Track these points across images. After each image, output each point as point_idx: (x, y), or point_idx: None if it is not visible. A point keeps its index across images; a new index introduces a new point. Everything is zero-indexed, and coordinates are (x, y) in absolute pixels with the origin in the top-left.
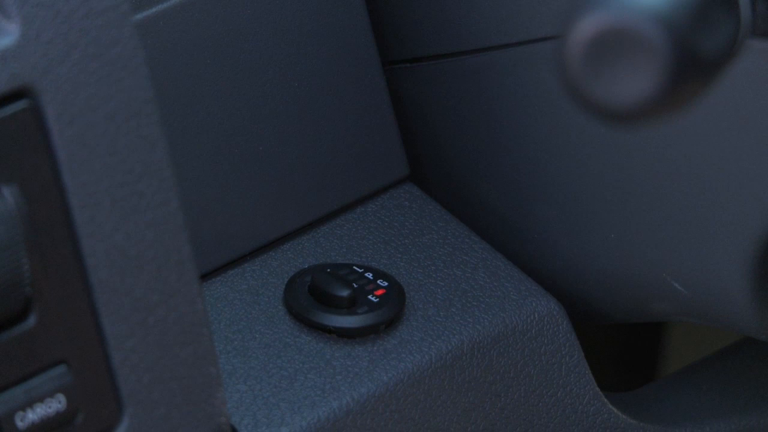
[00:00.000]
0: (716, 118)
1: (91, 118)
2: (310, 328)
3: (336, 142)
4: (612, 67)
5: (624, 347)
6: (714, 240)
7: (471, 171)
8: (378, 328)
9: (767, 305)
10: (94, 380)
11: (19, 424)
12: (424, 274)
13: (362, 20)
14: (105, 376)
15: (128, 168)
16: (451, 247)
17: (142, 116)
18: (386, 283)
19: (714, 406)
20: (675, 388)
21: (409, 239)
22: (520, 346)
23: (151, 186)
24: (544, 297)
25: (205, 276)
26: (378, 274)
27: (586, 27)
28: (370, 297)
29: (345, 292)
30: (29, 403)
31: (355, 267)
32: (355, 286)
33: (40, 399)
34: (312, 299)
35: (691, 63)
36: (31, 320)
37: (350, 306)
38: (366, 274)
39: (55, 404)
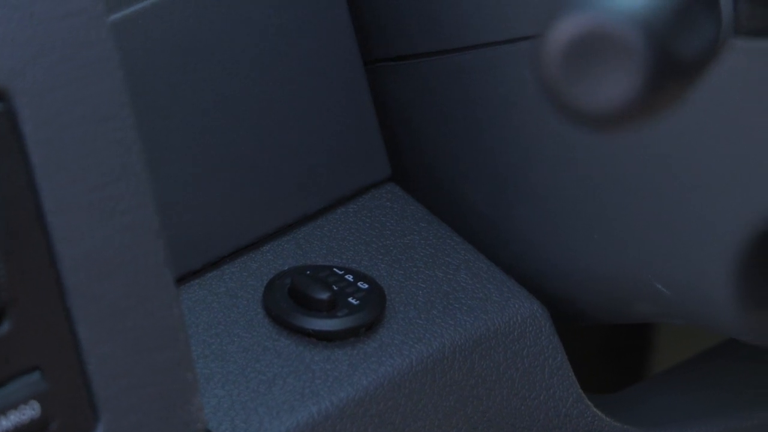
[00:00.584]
0: (700, 118)
1: (65, 121)
2: (290, 332)
3: (316, 142)
4: (590, 70)
5: (612, 348)
6: (697, 241)
7: (453, 171)
8: (358, 331)
9: (749, 307)
10: (68, 387)
11: None
12: (405, 275)
13: (343, 18)
14: (80, 382)
15: (103, 171)
16: (432, 248)
17: (117, 119)
18: (367, 286)
19: (698, 408)
20: (659, 389)
21: (390, 240)
22: (502, 348)
23: (126, 189)
24: (527, 299)
25: (183, 278)
26: (358, 276)
27: (564, 29)
28: (350, 299)
29: (325, 295)
30: (2, 411)
31: (335, 269)
32: (335, 288)
33: (14, 406)
34: (291, 302)
35: (671, 65)
36: (5, 326)
37: (330, 309)
38: (346, 276)
39: (29, 411)
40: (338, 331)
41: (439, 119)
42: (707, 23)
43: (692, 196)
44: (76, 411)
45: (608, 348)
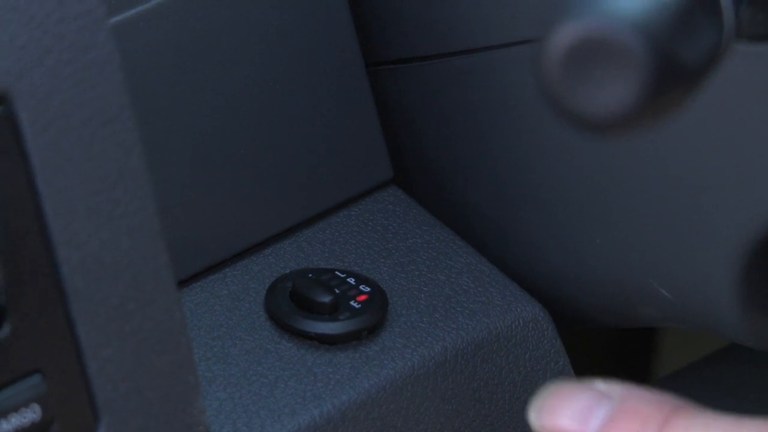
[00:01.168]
0: (703, 123)
1: (66, 124)
2: (292, 335)
3: (318, 145)
4: (591, 76)
5: (615, 352)
6: (700, 246)
7: (456, 174)
8: (360, 334)
9: (752, 311)
10: (69, 390)
11: None
12: (407, 279)
13: (345, 21)
14: (81, 385)
15: (104, 174)
16: (435, 251)
17: (117, 122)
18: (369, 289)
19: None
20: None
21: (392, 243)
22: (504, 352)
23: (127, 193)
24: (529, 302)
25: (185, 281)
26: (360, 280)
27: (565, 34)
28: (352, 303)
29: (327, 298)
30: (3, 414)
31: (337, 272)
32: (337, 291)
33: (15, 409)
34: (293, 305)
35: (672, 71)
36: (5, 330)
37: (332, 312)
38: (348, 280)
39: (30, 414)
40: (340, 335)
41: (441, 122)
42: (709, 28)
43: (695, 201)
44: (77, 414)
45: (611, 352)
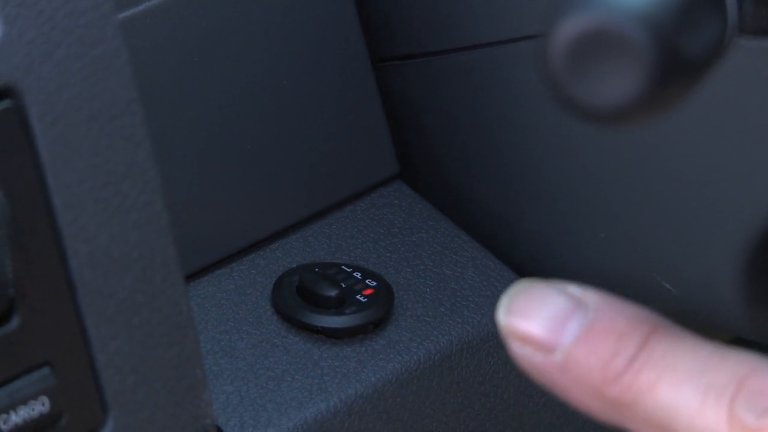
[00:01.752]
0: (705, 117)
1: (74, 118)
2: (298, 329)
3: (325, 140)
4: (595, 68)
5: None
6: (704, 240)
7: (461, 169)
8: (366, 328)
9: (756, 305)
10: (78, 382)
11: (2, 426)
12: (413, 273)
13: (351, 17)
14: (89, 378)
15: (112, 168)
16: (440, 246)
17: (125, 116)
18: (375, 283)
19: None
20: None
21: (398, 238)
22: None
23: (136, 187)
24: None
25: (193, 276)
26: (367, 274)
27: (569, 27)
28: (358, 297)
29: (333, 292)
30: (12, 406)
31: (343, 266)
32: (343, 285)
33: (24, 401)
34: (300, 299)
35: (676, 64)
36: (15, 322)
37: (338, 306)
38: (354, 274)
39: (39, 407)
40: (346, 328)
41: (447, 118)
42: (713, 22)
43: (699, 195)
44: (86, 406)
45: None
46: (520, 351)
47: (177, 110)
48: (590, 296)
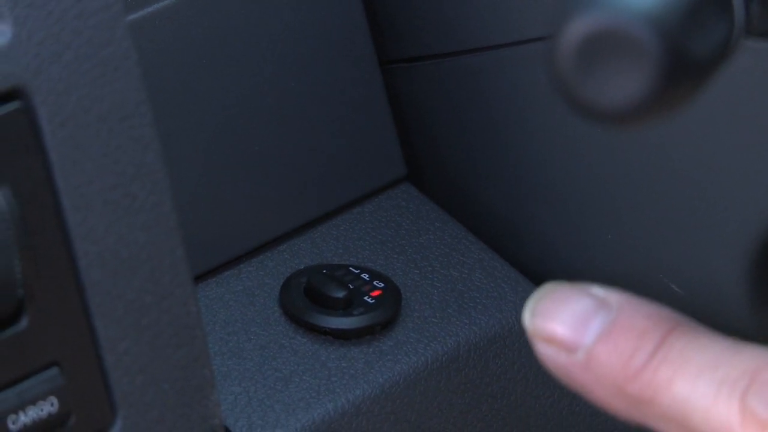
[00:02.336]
0: (712, 118)
1: (83, 119)
2: (306, 330)
3: (333, 142)
4: (603, 69)
5: None
6: (710, 241)
7: (468, 171)
8: (374, 329)
9: (763, 306)
10: (86, 383)
11: (11, 426)
12: (420, 275)
13: (359, 19)
14: (98, 378)
15: (121, 169)
16: (448, 247)
17: (135, 117)
18: (382, 284)
19: None
20: None
21: (406, 240)
22: (516, 347)
23: (144, 187)
24: None
25: (201, 277)
26: (374, 275)
27: (577, 28)
28: (366, 298)
29: (341, 294)
30: (21, 406)
31: (351, 268)
32: (351, 287)
33: (33, 401)
34: (308, 300)
35: (683, 65)
36: (23, 322)
37: (346, 307)
38: (362, 275)
39: (48, 407)
40: (354, 330)
41: (454, 120)
42: (720, 23)
43: (705, 196)
44: (94, 406)
45: None
46: (545, 352)
47: (185, 112)
48: (613, 296)
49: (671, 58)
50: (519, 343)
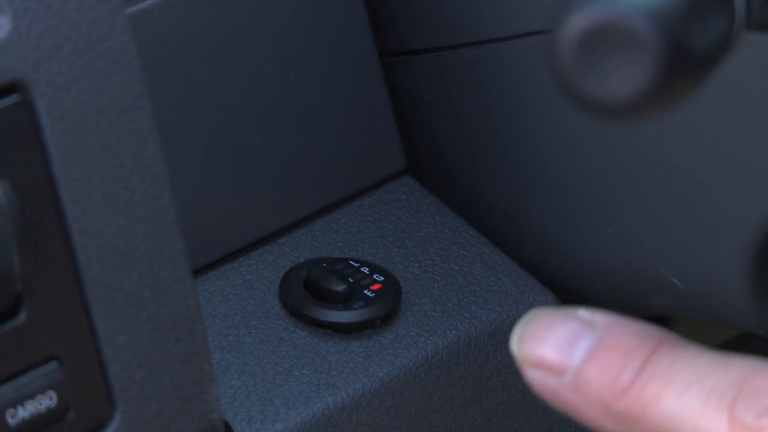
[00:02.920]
0: (713, 112)
1: (82, 113)
2: (306, 323)
3: (332, 135)
4: (603, 62)
5: None
6: (711, 234)
7: (468, 164)
8: (374, 323)
9: (764, 299)
10: (85, 377)
11: (10, 420)
12: (420, 268)
13: (359, 12)
14: (97, 372)
15: (120, 163)
16: (448, 241)
17: (134, 110)
18: (382, 278)
19: None
20: None
21: (405, 233)
22: None
23: (144, 181)
24: (542, 292)
25: (200, 270)
26: (374, 269)
27: (578, 21)
28: (366, 292)
29: (341, 287)
30: (20, 400)
31: (351, 261)
32: (350, 280)
33: (31, 395)
34: (307, 294)
35: (684, 58)
36: (22, 316)
37: (346, 301)
38: (362, 269)
39: (46, 401)
40: (354, 323)
41: (454, 113)
42: (720, 17)
43: (706, 190)
44: (93, 400)
45: None
46: (534, 377)
47: (185, 105)
48: (599, 317)
49: (672, 52)
50: None
